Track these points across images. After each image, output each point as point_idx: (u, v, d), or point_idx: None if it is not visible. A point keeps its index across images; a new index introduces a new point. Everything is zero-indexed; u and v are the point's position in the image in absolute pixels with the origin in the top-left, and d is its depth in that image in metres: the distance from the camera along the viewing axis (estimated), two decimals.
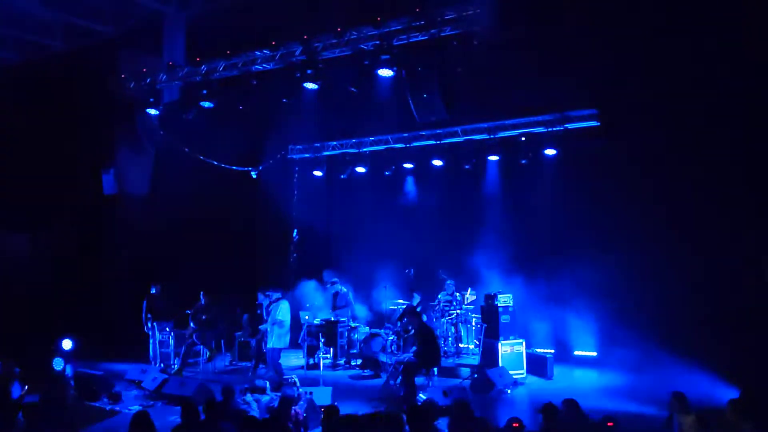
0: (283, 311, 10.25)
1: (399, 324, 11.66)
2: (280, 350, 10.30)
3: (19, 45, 15.44)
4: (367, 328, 12.54)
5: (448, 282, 12.70)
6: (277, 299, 10.41)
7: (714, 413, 6.44)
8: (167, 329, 12.06)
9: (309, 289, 13.09)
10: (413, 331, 10.00)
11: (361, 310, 13.21)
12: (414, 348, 9.89)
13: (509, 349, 10.98)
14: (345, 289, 12.94)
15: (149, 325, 12.21)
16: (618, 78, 10.48)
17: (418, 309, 11.55)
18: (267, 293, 10.76)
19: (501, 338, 11.00)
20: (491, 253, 12.71)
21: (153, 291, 12.52)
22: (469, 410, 6.31)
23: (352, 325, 12.55)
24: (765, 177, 9.49)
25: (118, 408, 9.47)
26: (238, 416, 6.62)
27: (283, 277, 14.59)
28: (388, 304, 12.97)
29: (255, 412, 7.89)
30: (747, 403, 5.90)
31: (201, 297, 12.00)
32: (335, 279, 13.06)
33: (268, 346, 10.35)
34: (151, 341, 12.23)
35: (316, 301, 12.56)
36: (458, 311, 12.44)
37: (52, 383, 8.81)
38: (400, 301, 12.91)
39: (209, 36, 12.99)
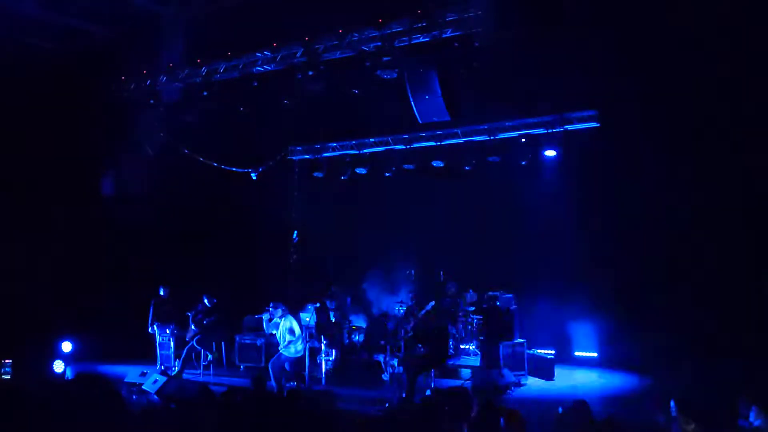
0: (293, 324, 10.19)
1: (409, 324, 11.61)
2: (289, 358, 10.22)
3: (15, 46, 15.36)
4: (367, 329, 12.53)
5: (450, 283, 12.69)
6: (281, 316, 10.26)
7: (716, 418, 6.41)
8: (167, 331, 12.00)
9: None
10: (431, 329, 9.90)
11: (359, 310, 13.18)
12: (420, 348, 9.86)
13: (510, 349, 10.99)
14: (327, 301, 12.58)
15: (154, 327, 12.06)
16: (618, 79, 10.51)
17: (422, 311, 11.53)
18: (268, 309, 10.41)
19: (502, 339, 11.01)
20: (492, 253, 12.73)
21: (161, 293, 12.32)
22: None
23: (353, 326, 12.54)
24: (765, 178, 9.53)
25: None
26: None
27: (282, 279, 14.62)
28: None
29: None
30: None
31: (204, 300, 11.93)
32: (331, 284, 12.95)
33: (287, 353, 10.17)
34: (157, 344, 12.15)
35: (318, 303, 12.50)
36: (459, 312, 12.44)
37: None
38: (401, 302, 12.89)
39: (209, 37, 12.93)
